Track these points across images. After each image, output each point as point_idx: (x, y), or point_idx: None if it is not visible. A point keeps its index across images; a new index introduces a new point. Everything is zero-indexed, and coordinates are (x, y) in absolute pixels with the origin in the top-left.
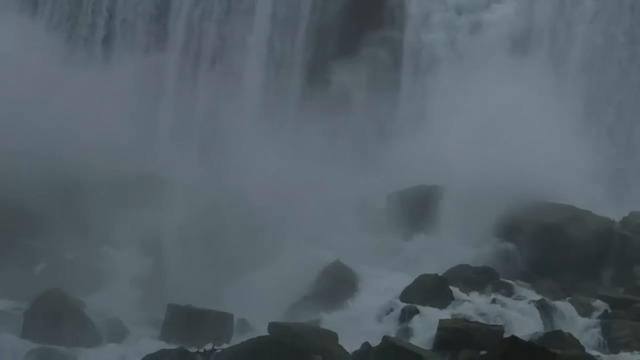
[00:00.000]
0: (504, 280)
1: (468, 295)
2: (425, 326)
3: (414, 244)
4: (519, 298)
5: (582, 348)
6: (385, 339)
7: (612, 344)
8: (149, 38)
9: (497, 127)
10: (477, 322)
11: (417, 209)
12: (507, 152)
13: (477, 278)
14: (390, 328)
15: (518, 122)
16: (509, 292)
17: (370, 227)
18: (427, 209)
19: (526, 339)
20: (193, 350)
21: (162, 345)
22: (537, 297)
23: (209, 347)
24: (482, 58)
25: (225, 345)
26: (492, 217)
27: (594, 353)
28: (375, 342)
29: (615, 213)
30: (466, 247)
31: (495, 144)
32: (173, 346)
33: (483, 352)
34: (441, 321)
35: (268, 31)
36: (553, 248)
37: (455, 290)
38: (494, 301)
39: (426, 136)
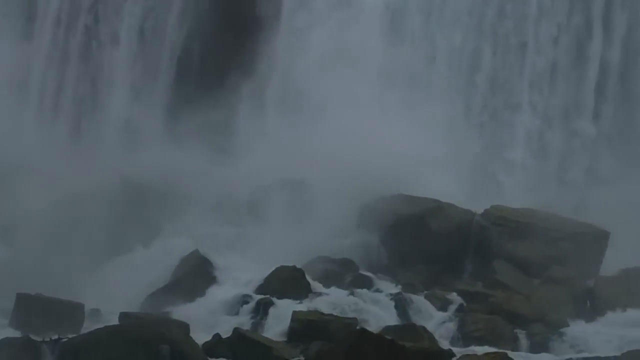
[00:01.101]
0: (363, 273)
1: (326, 287)
2: (280, 318)
3: (274, 236)
4: (377, 291)
5: (434, 341)
6: (236, 330)
7: (466, 338)
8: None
9: (362, 123)
10: (331, 315)
11: (280, 201)
12: (370, 147)
13: (337, 270)
14: (245, 320)
15: (382, 118)
16: (368, 285)
17: (232, 219)
18: (290, 201)
19: (378, 331)
20: (38, 339)
21: (9, 333)
22: (396, 291)
23: (54, 336)
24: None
25: (72, 335)
26: (354, 210)
27: (448, 346)
28: (228, 333)
29: (478, 207)
30: (328, 239)
31: (360, 139)
32: (19, 335)
33: (333, 344)
34: (295, 313)
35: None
36: (414, 240)
37: (313, 283)
38: (351, 294)
39: (294, 131)
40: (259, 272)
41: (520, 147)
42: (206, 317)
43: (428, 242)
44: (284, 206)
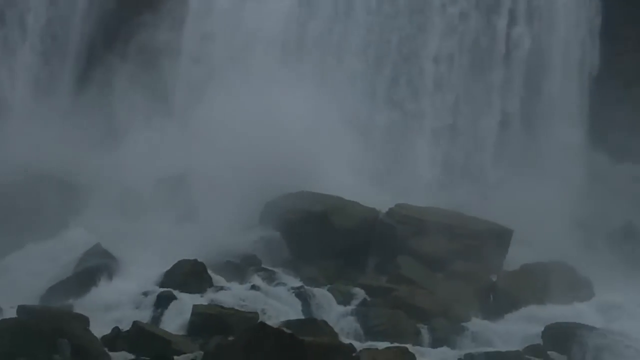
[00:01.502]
0: (266, 267)
1: (228, 281)
2: (181, 312)
3: (178, 231)
4: (279, 285)
5: (335, 335)
6: (135, 324)
7: (369, 332)
8: None
9: (268, 118)
10: (232, 309)
11: (184, 197)
12: (276, 143)
13: (239, 265)
14: (146, 314)
15: (288, 114)
16: (270, 279)
17: (133, 213)
18: (193, 197)
19: (279, 325)
20: None
21: None
22: (298, 285)
23: None
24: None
25: None
26: (258, 206)
27: (350, 341)
28: (128, 327)
29: (383, 205)
30: (231, 235)
31: (265, 135)
32: None
33: (232, 338)
34: (195, 307)
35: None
36: (317, 236)
37: (215, 277)
38: (252, 288)
39: (199, 125)
40: (160, 266)
41: (426, 146)
42: (106, 311)
43: (331, 238)
44: (180, 201)
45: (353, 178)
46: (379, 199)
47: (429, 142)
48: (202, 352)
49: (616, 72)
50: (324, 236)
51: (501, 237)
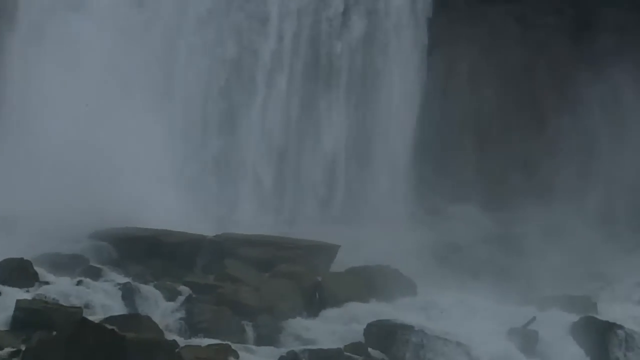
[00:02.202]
0: (94, 265)
1: (55, 277)
2: (4, 307)
3: None
4: (105, 281)
5: (160, 332)
6: None
7: (193, 329)
8: None
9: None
10: (56, 304)
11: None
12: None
13: (67, 262)
14: None
15: (110, 134)
16: (97, 275)
17: None
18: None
19: (103, 321)
20: None
21: None
22: (124, 281)
23: None
24: None
25: None
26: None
27: (175, 337)
28: None
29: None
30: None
31: (85, 157)
32: None
33: (55, 333)
34: (18, 301)
35: None
36: (147, 252)
37: (42, 272)
38: (79, 283)
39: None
40: None
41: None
42: None
43: (160, 250)
44: None
45: (179, 211)
46: (206, 230)
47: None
48: (24, 348)
49: None
50: (153, 249)
51: (329, 249)
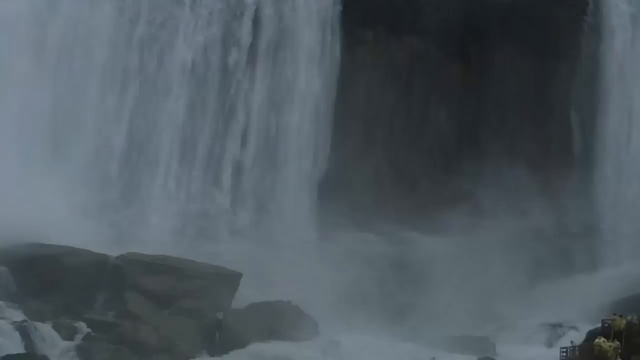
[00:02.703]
0: None
1: None
2: None
3: None
4: (2, 318)
5: None
6: None
7: None
8: None
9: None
10: None
11: None
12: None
13: None
14: None
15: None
16: None
17: None
18: None
19: None
20: None
21: None
22: (21, 319)
23: None
24: None
25: None
26: None
27: None
28: None
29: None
30: None
31: None
32: None
33: None
34: None
35: None
36: (47, 274)
37: None
38: None
39: None
40: None
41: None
42: None
43: (61, 275)
44: None
45: (90, 228)
46: (111, 248)
47: (160, 192)
48: None
49: None
50: (53, 274)
51: (230, 279)
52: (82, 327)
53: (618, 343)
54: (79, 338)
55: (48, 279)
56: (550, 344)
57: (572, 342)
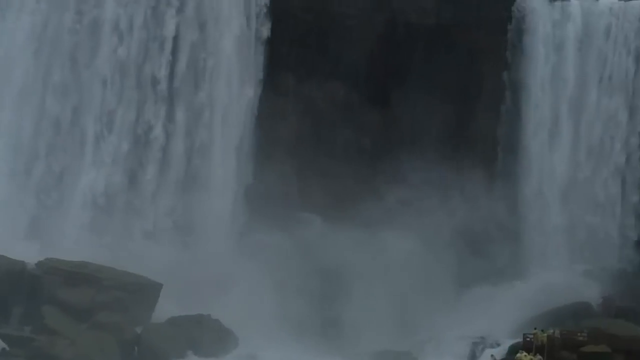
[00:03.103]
0: None
1: None
2: None
3: None
4: None
5: None
6: None
7: None
8: None
9: None
10: None
11: None
12: None
13: None
14: None
15: None
16: None
17: None
18: None
19: None
20: None
21: None
22: None
23: None
24: None
25: None
26: None
27: None
28: None
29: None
30: None
31: None
32: None
33: None
34: None
35: None
36: None
37: None
38: None
39: None
40: None
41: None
42: None
43: None
44: None
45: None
46: (27, 253)
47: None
48: None
49: None
50: None
51: (150, 290)
52: None
53: (540, 357)
54: None
55: None
56: (473, 358)
57: (492, 356)
